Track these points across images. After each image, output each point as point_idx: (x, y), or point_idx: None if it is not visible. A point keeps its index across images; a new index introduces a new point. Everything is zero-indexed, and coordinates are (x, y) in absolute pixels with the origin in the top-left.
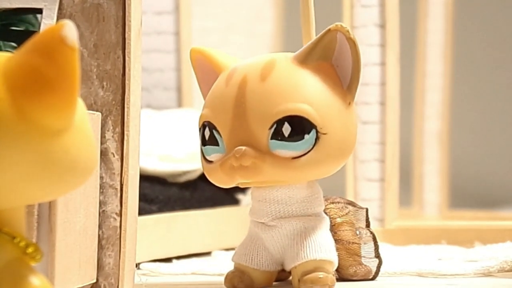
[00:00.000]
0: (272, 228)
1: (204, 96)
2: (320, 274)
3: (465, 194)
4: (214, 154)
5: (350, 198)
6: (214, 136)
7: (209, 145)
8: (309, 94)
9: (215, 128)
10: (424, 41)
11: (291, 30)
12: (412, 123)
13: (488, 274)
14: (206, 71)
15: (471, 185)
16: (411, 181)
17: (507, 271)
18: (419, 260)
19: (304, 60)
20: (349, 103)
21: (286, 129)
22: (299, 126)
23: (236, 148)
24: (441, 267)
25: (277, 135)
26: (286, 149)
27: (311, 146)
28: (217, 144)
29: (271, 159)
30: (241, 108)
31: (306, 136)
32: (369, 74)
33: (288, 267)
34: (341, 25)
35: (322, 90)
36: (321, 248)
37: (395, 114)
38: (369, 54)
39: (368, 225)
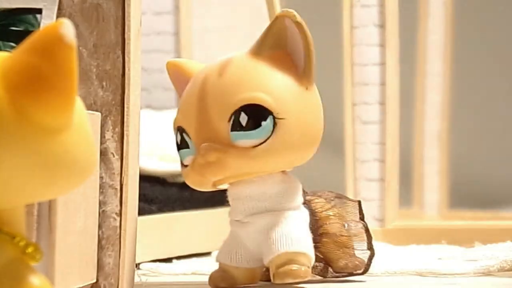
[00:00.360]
0: (247, 225)
1: None
2: (294, 267)
3: (465, 194)
4: (187, 157)
5: (350, 197)
6: (185, 139)
7: (182, 148)
8: (263, 82)
9: (184, 131)
10: (424, 41)
11: None
12: (412, 123)
13: (488, 273)
14: (182, 82)
15: (471, 185)
16: (411, 181)
17: (507, 270)
18: (419, 259)
19: (258, 51)
20: (307, 88)
21: (243, 118)
22: (255, 114)
23: (201, 145)
24: (441, 266)
25: (236, 126)
26: (246, 139)
27: (269, 133)
28: (188, 147)
29: (234, 151)
30: (203, 106)
31: (263, 123)
32: (369, 74)
33: (265, 263)
34: (287, 11)
35: (276, 77)
36: (293, 240)
37: (395, 114)
38: (369, 54)
39: (362, 217)
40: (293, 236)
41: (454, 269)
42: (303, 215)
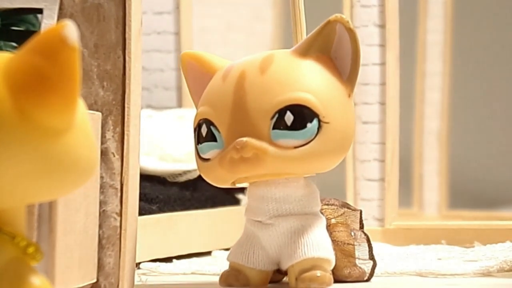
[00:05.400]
0: (269, 227)
1: (194, 101)
2: (318, 273)
3: (465, 194)
4: (211, 151)
5: (350, 198)
6: (212, 132)
7: (206, 142)
8: (311, 83)
9: (212, 124)
10: (424, 41)
11: (291, 30)
12: (412, 123)
13: (487, 274)
14: (198, 75)
15: (470, 185)
16: (411, 181)
17: (507, 271)
18: (419, 260)
19: (304, 52)
20: (349, 95)
21: (289, 118)
22: (301, 115)
23: (237, 140)
24: (440, 267)
25: (279, 124)
26: (288, 138)
27: (313, 135)
28: (215, 140)
29: (273, 149)
30: (241, 101)
31: (309, 125)
32: (369, 74)
33: (285, 266)
34: (340, 16)
35: (323, 80)
36: (319, 246)
37: (395, 114)
38: (369, 54)
39: (362, 227)
40: (319, 241)
41: (453, 269)
42: (324, 220)
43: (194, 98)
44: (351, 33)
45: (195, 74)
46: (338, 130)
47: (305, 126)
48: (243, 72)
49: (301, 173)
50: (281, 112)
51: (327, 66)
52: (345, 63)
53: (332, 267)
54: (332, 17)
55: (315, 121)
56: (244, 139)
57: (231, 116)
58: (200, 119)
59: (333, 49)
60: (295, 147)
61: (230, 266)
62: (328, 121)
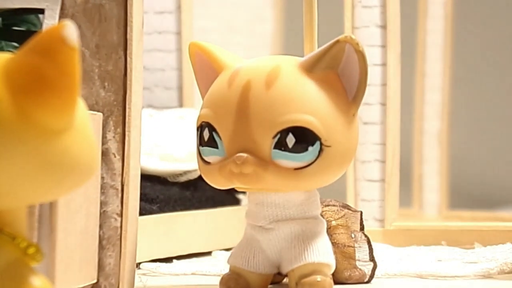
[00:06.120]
0: (270, 231)
1: (201, 92)
2: (318, 278)
3: (465, 195)
4: (212, 156)
5: (351, 198)
6: (214, 138)
7: (207, 146)
8: (315, 105)
9: (215, 130)
10: (424, 42)
11: (291, 30)
12: (412, 123)
13: (488, 276)
14: (205, 67)
15: (470, 185)
16: (411, 182)
17: (507, 273)
18: (419, 261)
19: (311, 69)
20: (353, 114)
21: (290, 140)
22: (303, 138)
23: (238, 155)
24: (441, 268)
25: (281, 145)
26: (289, 160)
27: (314, 158)
28: (216, 147)
29: (273, 168)
30: (244, 114)
31: (310, 148)
32: (370, 74)
33: (285, 270)
34: (350, 37)
35: (328, 101)
36: (319, 251)
37: (396, 115)
38: (370, 55)
39: (362, 228)
40: (319, 246)
41: (454, 271)
42: (324, 224)
43: (201, 88)
44: (360, 55)
45: (202, 65)
46: (339, 153)
47: (306, 150)
48: (249, 82)
49: (299, 190)
50: (283, 133)
51: (332, 85)
52: (352, 83)
53: (332, 272)
54: (341, 37)
55: (316, 145)
56: (245, 155)
57: (234, 126)
58: (203, 122)
59: (340, 68)
60: (295, 169)
61: (230, 269)
62: (330, 145)
